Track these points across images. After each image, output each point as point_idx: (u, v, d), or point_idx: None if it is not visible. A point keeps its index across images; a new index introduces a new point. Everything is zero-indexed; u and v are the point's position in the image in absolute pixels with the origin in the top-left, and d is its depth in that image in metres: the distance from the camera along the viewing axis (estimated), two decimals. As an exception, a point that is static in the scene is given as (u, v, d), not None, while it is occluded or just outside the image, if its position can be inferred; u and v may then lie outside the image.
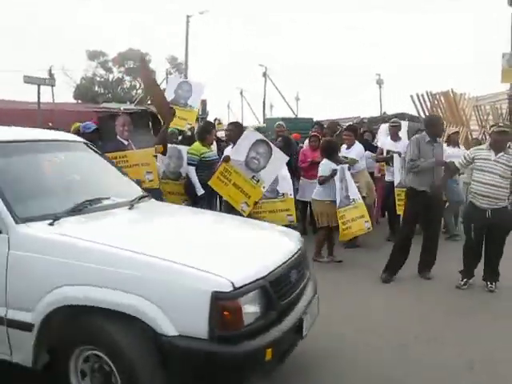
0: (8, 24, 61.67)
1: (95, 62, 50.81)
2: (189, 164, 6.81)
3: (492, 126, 6.99)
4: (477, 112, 14.75)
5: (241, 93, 47.10)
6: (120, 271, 2.67)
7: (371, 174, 8.62)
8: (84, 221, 3.20)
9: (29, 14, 62.83)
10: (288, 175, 7.13)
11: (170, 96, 7.64)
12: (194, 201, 6.71)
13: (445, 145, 7.83)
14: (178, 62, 47.34)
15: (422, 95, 14.20)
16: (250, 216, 6.20)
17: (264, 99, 42.53)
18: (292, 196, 7.05)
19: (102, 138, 6.41)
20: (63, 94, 38.58)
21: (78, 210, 3.23)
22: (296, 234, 3.90)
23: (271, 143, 6.68)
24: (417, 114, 14.63)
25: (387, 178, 8.31)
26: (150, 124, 8.99)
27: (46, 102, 17.85)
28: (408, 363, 3.91)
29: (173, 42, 75.52)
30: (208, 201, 6.77)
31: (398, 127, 8.41)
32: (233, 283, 2.59)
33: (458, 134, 8.98)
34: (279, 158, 6.54)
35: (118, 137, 5.81)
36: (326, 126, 10.15)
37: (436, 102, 14.12)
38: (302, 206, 8.31)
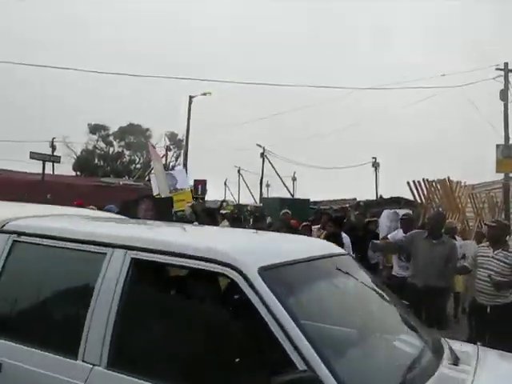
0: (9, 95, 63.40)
1: (96, 135, 51.92)
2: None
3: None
4: (472, 200, 14.90)
5: (238, 171, 47.82)
6: None
7: (375, 265, 8.35)
8: None
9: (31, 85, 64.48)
10: None
11: (156, 189, 7.97)
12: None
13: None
14: (177, 139, 48.36)
15: (419, 182, 14.36)
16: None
17: (261, 178, 43.17)
18: None
19: None
20: (63, 166, 38.86)
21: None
22: None
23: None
24: (413, 199, 14.82)
25: (398, 271, 7.30)
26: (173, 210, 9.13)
27: (46, 174, 17.96)
28: None
29: (173, 119, 77.51)
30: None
31: (410, 221, 7.78)
32: None
33: (456, 230, 9.17)
34: None
35: None
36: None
37: (433, 189, 14.27)
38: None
